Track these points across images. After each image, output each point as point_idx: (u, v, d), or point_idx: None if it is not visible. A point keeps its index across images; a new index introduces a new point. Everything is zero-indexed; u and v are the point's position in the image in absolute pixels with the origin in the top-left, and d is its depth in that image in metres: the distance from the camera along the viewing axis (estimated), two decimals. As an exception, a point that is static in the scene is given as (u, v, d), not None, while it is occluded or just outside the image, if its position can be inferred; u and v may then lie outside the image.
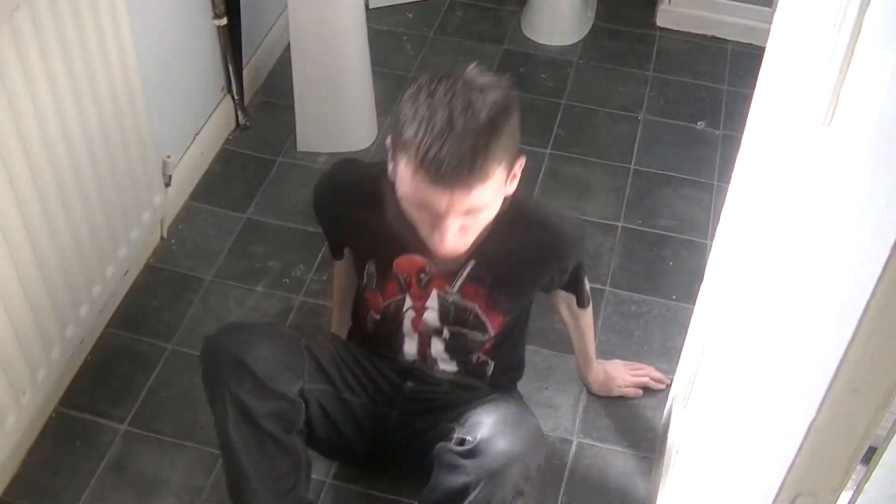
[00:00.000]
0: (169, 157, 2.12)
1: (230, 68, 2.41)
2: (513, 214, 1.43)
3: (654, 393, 1.98)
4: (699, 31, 2.99)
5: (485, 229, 1.41)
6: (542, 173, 2.47)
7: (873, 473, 0.72)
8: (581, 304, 1.80)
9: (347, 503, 1.79)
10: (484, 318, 1.58)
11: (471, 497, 1.42)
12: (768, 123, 1.25)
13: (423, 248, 1.44)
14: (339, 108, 2.47)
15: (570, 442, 1.90)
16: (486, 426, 1.45)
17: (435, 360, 1.67)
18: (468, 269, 1.53)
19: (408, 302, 1.58)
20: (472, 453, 1.43)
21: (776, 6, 1.38)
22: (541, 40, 2.94)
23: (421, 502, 1.54)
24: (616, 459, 1.88)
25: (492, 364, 1.70)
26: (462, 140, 1.26)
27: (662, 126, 2.66)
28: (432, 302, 1.57)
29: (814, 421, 0.67)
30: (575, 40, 2.95)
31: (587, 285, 1.78)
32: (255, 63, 2.62)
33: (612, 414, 1.96)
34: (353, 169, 1.64)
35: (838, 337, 0.64)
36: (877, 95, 0.68)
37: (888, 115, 0.63)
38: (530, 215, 1.54)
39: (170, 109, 2.18)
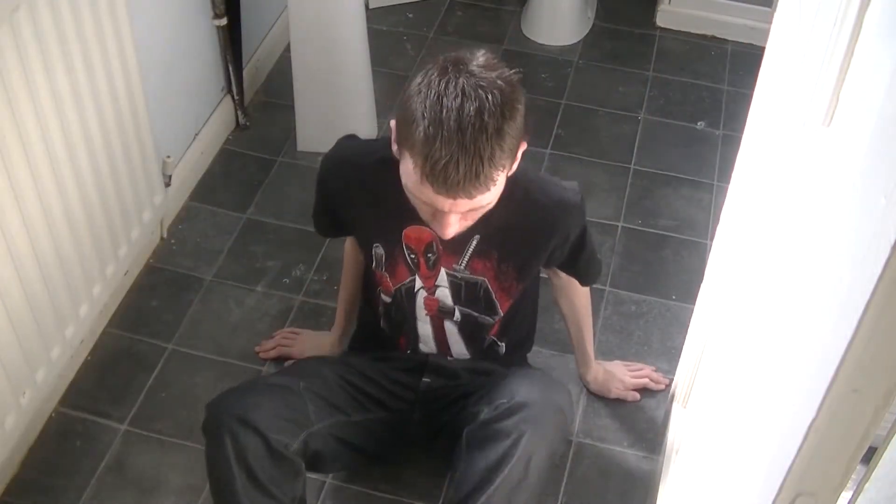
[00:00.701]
0: (169, 157, 2.12)
1: (230, 68, 2.41)
2: (514, 186, 1.42)
3: (654, 393, 1.98)
4: (699, 31, 2.99)
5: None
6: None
7: (873, 473, 0.72)
8: (583, 281, 1.75)
9: (347, 503, 1.79)
10: (494, 293, 1.59)
11: (511, 462, 1.40)
12: (768, 123, 1.25)
13: None
14: (339, 108, 2.47)
15: (570, 442, 1.90)
16: (521, 387, 1.47)
17: (449, 347, 1.67)
18: (473, 243, 1.53)
19: (418, 283, 1.59)
20: (510, 411, 1.42)
21: (776, 6, 1.38)
22: (541, 40, 2.94)
23: (447, 499, 1.52)
24: (616, 459, 1.88)
25: (503, 345, 1.71)
26: (470, 155, 1.26)
27: (662, 126, 2.66)
28: (442, 280, 1.57)
29: (814, 421, 0.67)
30: (575, 40, 2.95)
31: (596, 254, 1.73)
32: (255, 63, 2.62)
33: (612, 414, 1.96)
34: (358, 143, 1.63)
35: (838, 337, 0.64)
36: (877, 95, 0.68)
37: (888, 115, 0.63)
38: (531, 185, 1.52)
39: (170, 109, 2.18)
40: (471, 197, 1.30)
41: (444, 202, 1.31)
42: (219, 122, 2.46)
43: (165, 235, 2.25)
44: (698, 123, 2.67)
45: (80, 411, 1.90)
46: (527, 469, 1.42)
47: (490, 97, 1.29)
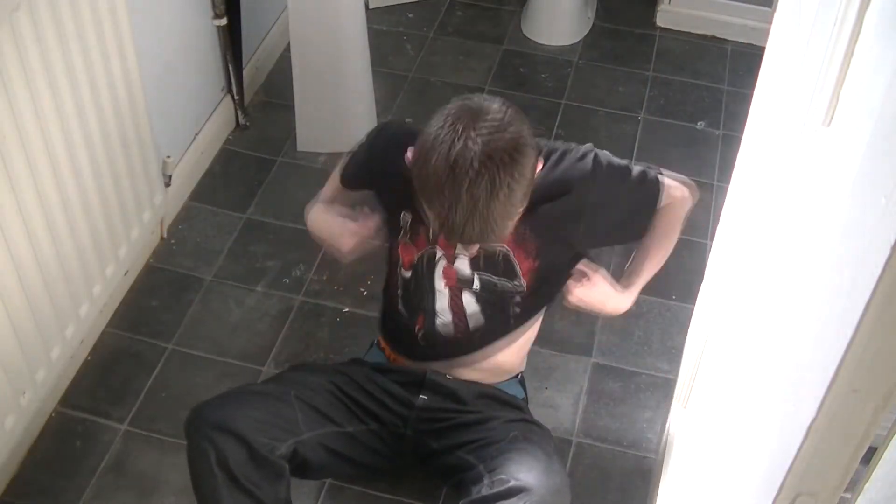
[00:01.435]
0: (169, 157, 2.12)
1: (230, 68, 2.41)
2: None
3: (654, 393, 1.98)
4: (699, 31, 2.99)
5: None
6: (542, 173, 2.47)
7: (873, 473, 0.72)
8: (640, 235, 1.66)
9: (347, 503, 1.79)
10: (513, 259, 1.59)
11: None
12: (768, 123, 1.25)
13: None
14: (339, 108, 2.47)
15: (570, 442, 1.90)
16: (521, 468, 1.47)
17: (466, 320, 1.65)
18: None
19: (438, 252, 1.61)
20: (509, 493, 1.44)
21: (776, 6, 1.38)
22: (541, 40, 2.94)
23: None
24: (616, 459, 1.88)
25: (520, 322, 1.67)
26: (484, 219, 1.36)
27: (662, 126, 2.66)
28: (461, 249, 1.59)
29: (814, 421, 0.67)
30: (575, 40, 2.95)
31: (643, 177, 1.64)
32: (255, 63, 2.62)
33: (612, 414, 1.96)
34: (408, 126, 1.80)
35: (838, 337, 0.64)
36: (877, 95, 0.68)
37: (888, 115, 0.63)
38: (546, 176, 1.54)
39: (170, 109, 2.18)
40: (485, 243, 1.48)
41: (451, 246, 1.54)
42: (219, 122, 2.46)
43: (165, 235, 2.25)
44: (698, 123, 2.67)
45: (80, 411, 1.90)
46: None
47: (500, 167, 1.35)
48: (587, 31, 2.98)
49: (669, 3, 2.98)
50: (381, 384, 1.67)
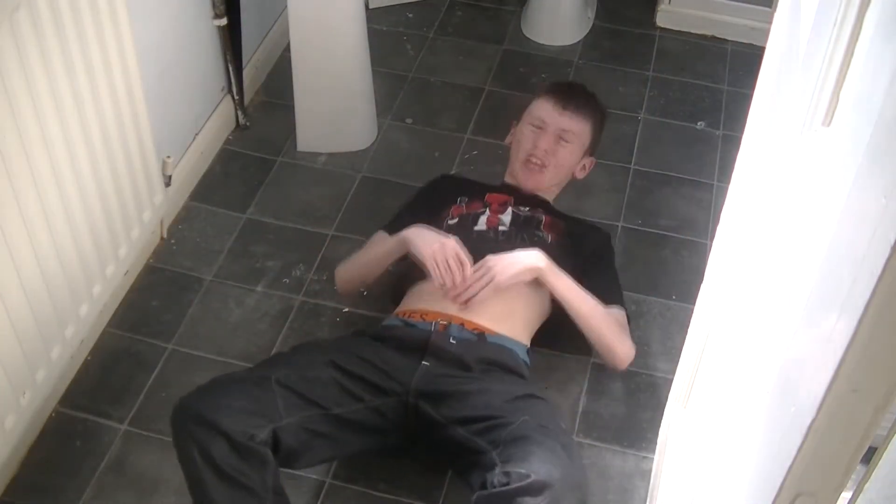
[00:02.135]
0: (169, 157, 2.12)
1: (230, 68, 2.41)
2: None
3: (654, 393, 1.98)
4: (699, 31, 2.99)
5: (559, 179, 2.14)
6: (542, 173, 2.47)
7: (873, 473, 0.72)
8: (600, 294, 1.96)
9: (347, 503, 1.79)
10: (545, 227, 2.04)
11: None
12: (768, 123, 1.25)
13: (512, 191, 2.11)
14: (339, 108, 2.47)
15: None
16: (543, 463, 1.47)
17: (497, 226, 2.02)
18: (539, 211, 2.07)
19: (487, 213, 2.04)
20: (530, 490, 1.43)
21: (776, 6, 1.38)
22: (541, 40, 2.94)
23: None
24: (616, 459, 1.88)
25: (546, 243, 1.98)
26: (586, 93, 2.18)
27: (662, 126, 2.66)
28: (506, 217, 2.04)
29: (814, 421, 0.67)
30: (575, 40, 2.95)
31: (616, 281, 2.06)
32: (255, 63, 2.62)
33: (612, 414, 1.96)
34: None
35: (838, 337, 0.64)
36: (877, 95, 0.68)
37: (888, 115, 0.63)
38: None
39: (170, 109, 2.18)
40: (571, 118, 2.09)
41: (553, 115, 2.09)
42: (219, 122, 2.46)
43: (165, 235, 2.25)
44: (698, 123, 2.67)
45: (80, 411, 1.90)
46: None
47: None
48: (587, 31, 2.98)
49: (669, 3, 2.98)
50: (382, 354, 1.71)
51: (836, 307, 0.67)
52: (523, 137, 2.11)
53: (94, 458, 1.83)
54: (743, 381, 1.07)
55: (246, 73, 2.51)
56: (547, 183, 2.12)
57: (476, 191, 2.12)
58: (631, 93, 2.76)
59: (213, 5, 2.28)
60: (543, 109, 2.09)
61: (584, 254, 2.05)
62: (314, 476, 1.80)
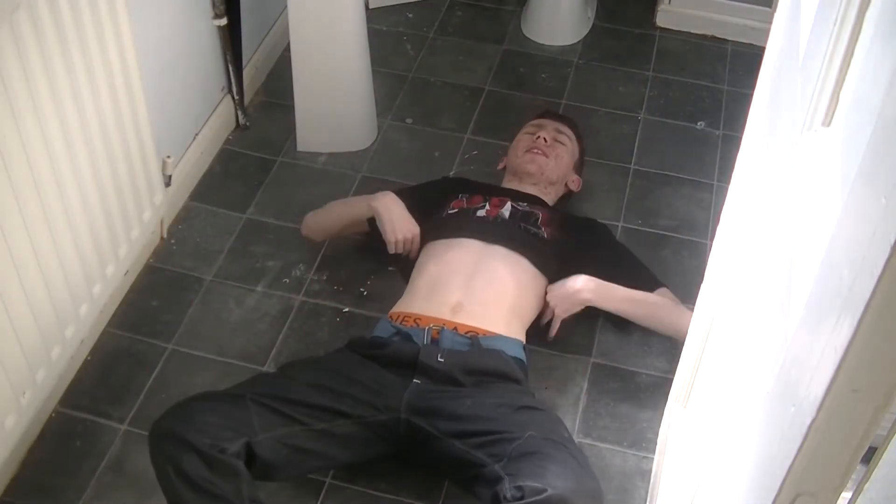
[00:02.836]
0: (169, 157, 2.12)
1: (230, 68, 2.41)
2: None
3: (654, 393, 1.98)
4: (699, 31, 2.99)
5: (557, 175, 2.21)
6: (542, 173, 2.47)
7: (873, 473, 0.72)
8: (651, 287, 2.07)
9: (348, 503, 1.79)
10: (542, 223, 2.07)
11: None
12: (768, 123, 1.25)
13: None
14: (339, 108, 2.47)
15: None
16: (556, 476, 1.47)
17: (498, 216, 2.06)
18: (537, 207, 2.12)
19: (487, 207, 2.09)
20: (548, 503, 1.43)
21: (776, 6, 1.38)
22: (541, 40, 2.94)
23: None
24: (616, 459, 1.88)
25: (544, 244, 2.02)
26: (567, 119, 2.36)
27: (662, 126, 2.66)
28: (505, 211, 2.08)
29: (814, 421, 0.67)
30: (575, 40, 2.95)
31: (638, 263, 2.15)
32: (255, 63, 2.62)
33: (612, 414, 1.96)
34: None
35: (838, 337, 0.64)
36: (877, 95, 0.68)
37: (888, 115, 0.63)
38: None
39: (170, 109, 2.18)
40: (562, 124, 2.29)
41: (546, 120, 2.29)
42: (219, 122, 2.46)
43: (165, 235, 2.25)
44: (698, 123, 2.67)
45: (80, 411, 1.90)
46: None
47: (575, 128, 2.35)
48: (587, 31, 2.98)
49: (669, 3, 2.98)
50: (371, 372, 1.71)
51: (836, 307, 0.67)
52: (521, 141, 2.25)
53: (94, 458, 1.83)
54: (743, 381, 1.07)
55: (246, 73, 2.50)
56: (548, 172, 2.19)
57: (477, 189, 2.18)
58: (631, 93, 2.76)
59: (213, 5, 2.28)
60: (537, 120, 2.31)
61: (591, 248, 2.12)
62: (314, 476, 1.80)
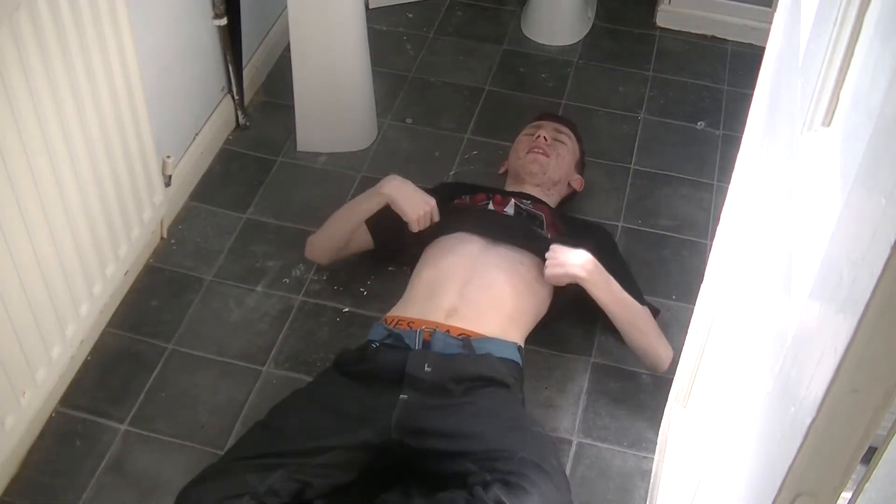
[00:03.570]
0: (169, 157, 2.12)
1: (230, 68, 2.41)
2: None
3: (654, 393, 1.98)
4: (699, 31, 2.99)
5: (559, 175, 2.22)
6: (542, 173, 2.47)
7: (873, 473, 0.72)
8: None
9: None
10: (546, 225, 2.08)
11: None
12: (768, 123, 1.25)
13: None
14: (339, 107, 2.47)
15: (570, 442, 1.90)
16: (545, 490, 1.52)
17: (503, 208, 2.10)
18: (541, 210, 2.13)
19: (491, 205, 2.10)
20: None
21: (776, 6, 1.38)
22: (541, 40, 2.94)
23: None
24: (616, 459, 1.88)
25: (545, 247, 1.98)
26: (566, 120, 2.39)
27: (662, 126, 2.66)
28: (510, 208, 2.10)
29: (814, 421, 0.67)
30: (575, 40, 2.95)
31: (630, 277, 2.12)
32: (255, 63, 2.62)
33: (612, 414, 1.96)
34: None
35: (838, 337, 0.64)
36: (877, 95, 0.68)
37: (888, 115, 0.63)
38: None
39: (170, 109, 2.18)
40: (562, 124, 2.31)
41: (545, 122, 2.30)
42: (219, 122, 2.46)
43: (165, 235, 2.25)
44: (698, 123, 2.67)
45: (80, 411, 1.90)
46: None
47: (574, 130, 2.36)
48: (587, 31, 2.98)
49: (669, 3, 2.98)
50: (359, 396, 1.71)
51: (835, 307, 0.67)
52: (521, 143, 2.26)
53: (94, 458, 1.83)
54: (742, 381, 1.07)
55: (246, 73, 2.51)
56: (551, 171, 2.19)
57: (479, 190, 2.20)
58: (631, 93, 2.76)
59: (213, 5, 2.28)
60: (535, 122, 2.32)
61: (592, 252, 2.04)
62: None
